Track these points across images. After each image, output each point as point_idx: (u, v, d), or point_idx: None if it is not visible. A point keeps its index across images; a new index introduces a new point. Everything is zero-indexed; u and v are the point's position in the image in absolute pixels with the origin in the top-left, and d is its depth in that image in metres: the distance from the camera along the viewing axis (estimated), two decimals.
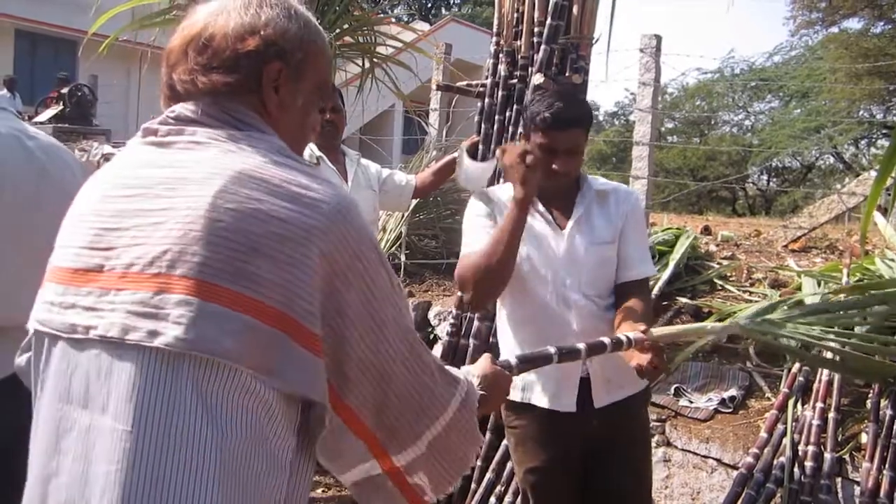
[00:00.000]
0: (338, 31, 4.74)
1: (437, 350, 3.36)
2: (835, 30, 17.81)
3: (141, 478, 0.88)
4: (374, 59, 4.84)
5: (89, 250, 0.98)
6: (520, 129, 2.69)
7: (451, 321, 3.09)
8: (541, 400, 1.99)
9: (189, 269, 0.91)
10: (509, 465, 2.71)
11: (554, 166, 1.95)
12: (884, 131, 18.72)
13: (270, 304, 0.91)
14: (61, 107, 9.36)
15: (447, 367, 1.15)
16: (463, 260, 1.97)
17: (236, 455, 0.90)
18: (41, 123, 9.18)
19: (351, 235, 0.96)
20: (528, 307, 2.01)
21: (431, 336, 3.68)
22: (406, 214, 4.24)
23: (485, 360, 1.44)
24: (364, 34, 4.91)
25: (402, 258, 4.15)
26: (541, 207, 2.03)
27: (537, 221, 2.04)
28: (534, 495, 2.01)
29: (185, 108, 1.04)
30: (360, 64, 4.87)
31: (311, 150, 2.91)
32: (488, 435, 2.83)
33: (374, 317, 0.98)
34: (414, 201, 4.24)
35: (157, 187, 0.98)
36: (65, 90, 9.63)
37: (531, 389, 2.01)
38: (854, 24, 17.28)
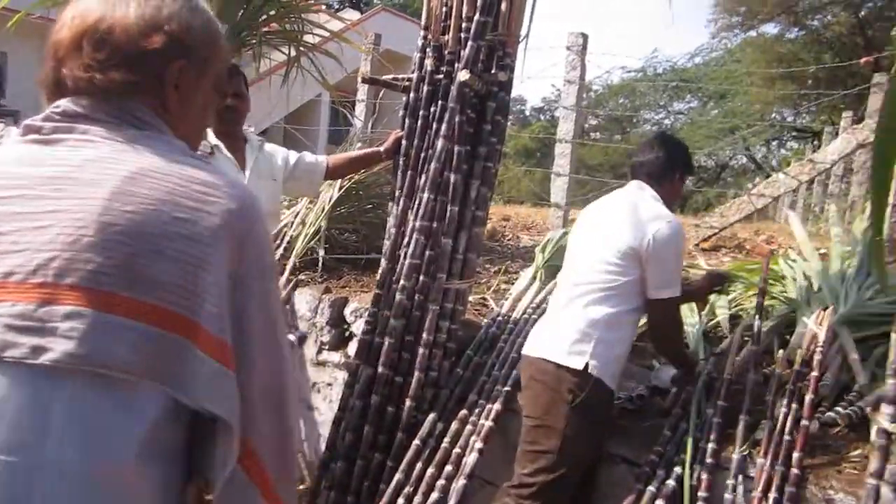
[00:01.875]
0: (264, 17, 4.65)
1: (353, 348, 3.34)
2: (753, 34, 18.48)
3: None
4: (301, 48, 4.77)
5: None
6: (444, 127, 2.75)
7: (367, 318, 3.07)
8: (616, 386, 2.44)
9: (81, 277, 0.85)
10: (419, 465, 2.72)
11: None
12: (793, 134, 19.58)
13: (173, 308, 0.86)
14: None
15: None
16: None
17: (121, 482, 0.85)
18: None
19: (255, 240, 0.92)
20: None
21: (347, 333, 3.65)
22: (326, 208, 4.19)
23: None
24: (291, 21, 4.83)
25: (321, 252, 4.10)
26: None
27: None
28: (581, 467, 2.40)
29: (73, 104, 0.97)
30: (286, 52, 4.79)
31: (206, 137, 2.79)
32: (399, 434, 2.83)
33: (273, 334, 0.93)
34: (334, 195, 4.21)
35: (41, 188, 0.90)
36: None
37: (615, 377, 2.43)
38: (771, 29, 17.96)
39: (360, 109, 7.16)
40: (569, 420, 2.32)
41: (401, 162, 3.08)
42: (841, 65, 11.76)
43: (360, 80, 3.65)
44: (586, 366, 2.33)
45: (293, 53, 4.75)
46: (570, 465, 2.33)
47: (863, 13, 16.19)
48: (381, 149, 3.17)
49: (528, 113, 29.34)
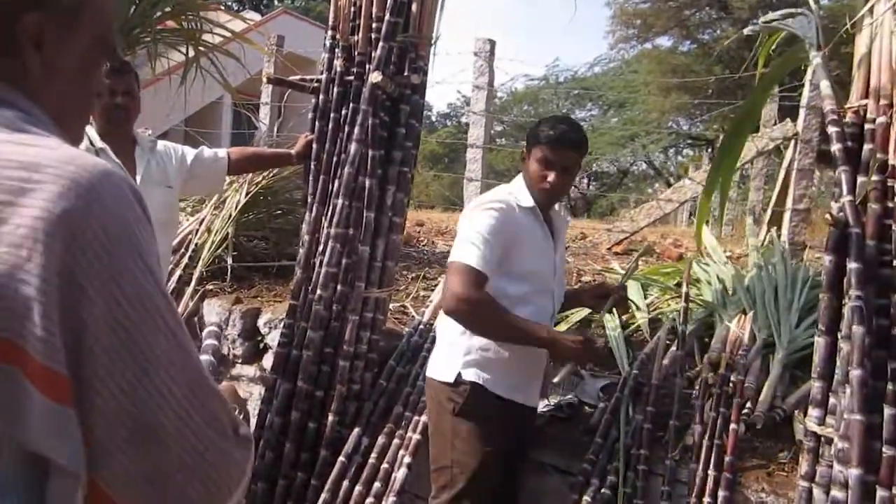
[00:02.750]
0: (158, 14, 4.38)
1: (268, 361, 3.15)
2: (648, 46, 19.13)
3: None
4: (200, 48, 4.53)
5: None
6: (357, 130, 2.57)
7: (283, 330, 2.90)
8: (507, 392, 2.23)
9: None
10: (345, 483, 2.58)
11: (549, 180, 2.24)
12: (689, 141, 20.39)
13: None
14: None
15: (240, 418, 0.88)
16: (469, 287, 2.08)
17: None
18: None
19: (96, 231, 0.71)
20: (524, 312, 2.17)
21: (261, 345, 3.46)
22: (233, 214, 3.97)
23: None
24: (188, 19, 4.58)
25: (229, 261, 3.88)
26: (541, 218, 2.30)
27: (542, 233, 2.31)
28: (480, 476, 2.17)
29: None
30: (184, 52, 4.54)
31: (90, 139, 2.57)
32: (322, 451, 2.68)
33: (130, 348, 0.72)
34: (241, 200, 4.00)
35: None
36: None
37: (497, 382, 2.21)
38: (665, 41, 18.63)
39: (264, 112, 6.93)
40: (454, 429, 2.20)
41: (312, 166, 2.94)
42: (731, 76, 12.29)
43: (264, 81, 3.46)
44: (458, 375, 2.21)
45: (192, 53, 4.50)
46: (469, 478, 2.17)
47: (748, 29, 17.03)
48: (292, 151, 3.02)
49: (434, 119, 29.40)
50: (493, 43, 5.86)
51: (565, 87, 21.23)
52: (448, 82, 10.74)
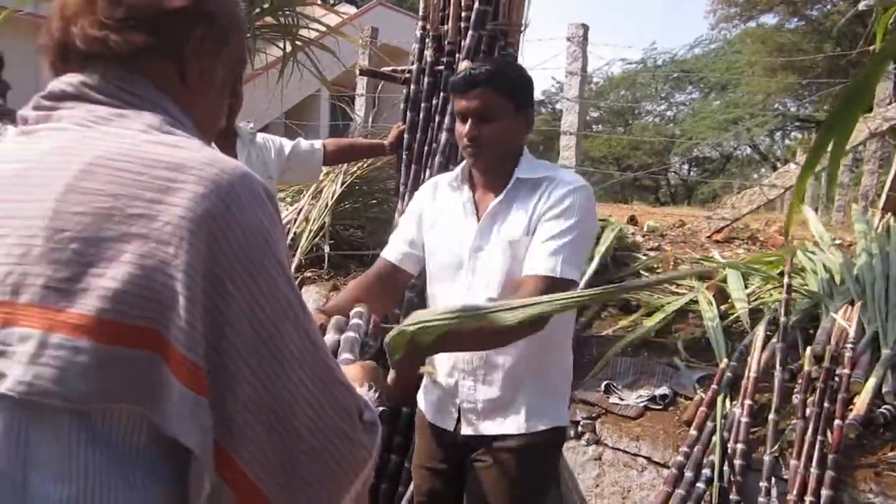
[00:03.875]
0: (257, 10, 4.53)
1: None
2: (752, 24, 18.35)
3: None
4: (296, 43, 4.65)
5: None
6: (447, 119, 2.57)
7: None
8: (427, 411, 2.00)
9: (33, 294, 0.73)
10: None
11: (463, 134, 1.79)
12: (797, 124, 19.45)
13: (132, 321, 0.72)
14: None
15: (368, 402, 0.93)
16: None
17: None
18: None
19: (235, 231, 0.75)
20: (434, 303, 1.92)
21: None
22: (330, 204, 4.08)
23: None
24: (285, 15, 4.71)
25: (326, 249, 3.98)
26: (465, 187, 1.89)
27: (454, 202, 1.90)
28: (417, 492, 2.06)
29: (63, 84, 0.85)
30: (282, 47, 4.67)
31: None
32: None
33: (267, 342, 0.77)
34: (337, 190, 4.10)
35: (5, 189, 0.79)
36: None
37: (422, 398, 2.03)
38: (770, 19, 17.82)
39: (359, 104, 7.05)
40: None
41: (404, 156, 2.98)
42: (843, 54, 11.62)
43: (357, 73, 3.53)
44: None
45: (289, 48, 4.63)
46: None
47: (862, 4, 16.07)
48: (385, 142, 3.07)
49: None
50: (586, 28, 5.76)
51: (664, 71, 20.61)
52: (542, 68, 10.64)
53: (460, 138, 1.82)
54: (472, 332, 1.60)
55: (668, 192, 22.13)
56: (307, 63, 4.74)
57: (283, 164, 2.95)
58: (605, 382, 2.74)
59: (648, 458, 2.48)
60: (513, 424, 1.85)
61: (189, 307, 0.73)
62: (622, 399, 2.66)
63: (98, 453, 0.74)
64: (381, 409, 0.98)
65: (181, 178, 0.76)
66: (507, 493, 1.85)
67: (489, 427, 1.87)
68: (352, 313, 1.46)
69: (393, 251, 1.99)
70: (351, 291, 1.88)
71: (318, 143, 3.06)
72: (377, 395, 1.03)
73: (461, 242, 1.85)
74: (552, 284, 1.66)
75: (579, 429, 2.67)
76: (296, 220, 4.13)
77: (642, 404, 2.61)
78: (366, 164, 4.22)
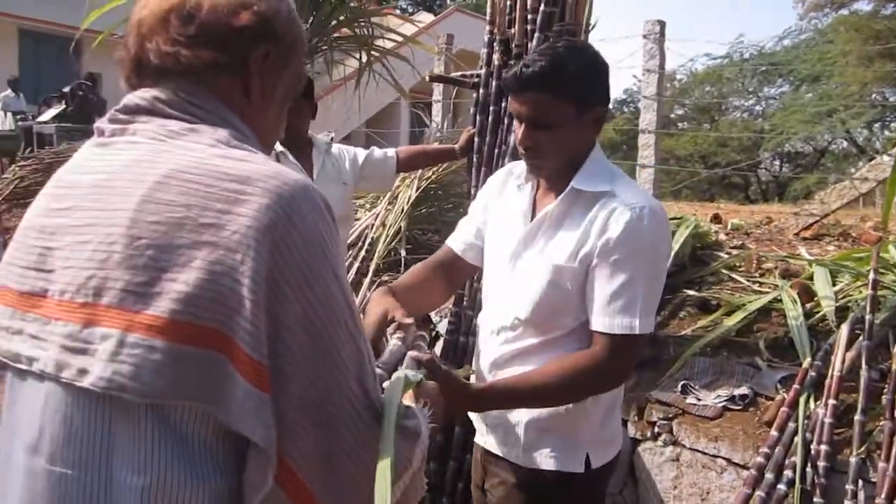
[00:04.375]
0: (334, 22, 4.67)
1: (438, 348, 3.27)
2: (844, 12, 17.55)
3: None
4: (372, 53, 4.76)
5: (34, 271, 0.87)
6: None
7: (451, 318, 3.00)
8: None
9: (113, 297, 0.80)
10: None
11: (519, 137, 1.61)
12: None
13: (202, 322, 0.78)
14: (64, 106, 9.32)
15: (415, 412, 0.97)
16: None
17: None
18: (44, 123, 9.15)
19: (295, 240, 0.81)
20: (484, 301, 1.80)
21: (434, 333, 3.59)
22: (406, 209, 4.15)
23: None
24: (361, 26, 4.83)
25: (403, 253, 4.06)
26: (529, 185, 1.72)
27: (515, 197, 1.74)
28: None
29: (137, 98, 0.92)
30: (359, 58, 4.79)
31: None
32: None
33: (319, 346, 0.82)
34: (412, 195, 4.17)
35: (87, 198, 0.86)
36: (66, 89, 9.57)
37: None
38: (864, 6, 17.01)
39: (436, 110, 7.13)
40: None
41: (474, 159, 3.00)
42: None
43: (427, 79, 3.59)
44: None
45: (365, 59, 4.74)
46: None
47: None
48: (456, 147, 3.11)
49: (611, 106, 28.75)
50: (662, 24, 5.66)
51: (751, 64, 19.92)
52: (617, 67, 10.46)
53: (517, 142, 1.64)
54: (530, 386, 1.55)
55: (758, 189, 21.36)
56: (384, 73, 4.85)
57: (358, 172, 3.03)
58: (681, 383, 2.69)
59: (728, 460, 2.42)
60: (512, 451, 1.70)
61: (254, 310, 0.78)
62: (700, 399, 2.61)
63: (170, 446, 0.80)
64: (431, 425, 1.01)
65: (248, 189, 0.82)
66: None
67: (493, 444, 1.75)
68: (415, 334, 1.49)
69: (457, 240, 1.88)
70: (411, 277, 1.84)
71: (390, 152, 3.13)
72: (430, 412, 1.05)
73: (508, 244, 1.70)
74: (630, 343, 1.52)
75: (656, 429, 2.63)
76: (373, 225, 4.22)
77: (721, 405, 2.56)
78: (440, 169, 4.28)
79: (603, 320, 1.54)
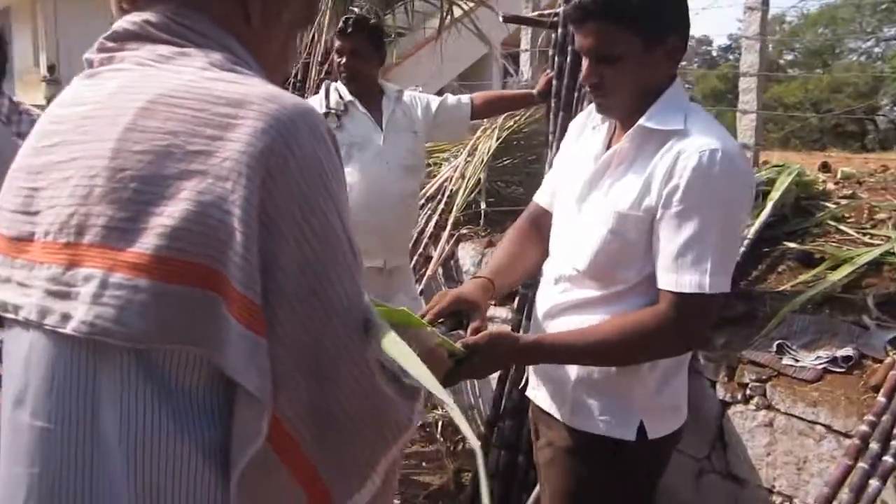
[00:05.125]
0: None
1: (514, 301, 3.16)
2: None
3: (56, 483, 0.74)
4: (455, 3, 4.63)
5: (22, 215, 0.81)
6: None
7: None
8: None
9: (95, 235, 0.73)
10: None
11: (583, 76, 1.48)
12: None
13: (190, 258, 0.70)
14: None
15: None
16: None
17: (155, 459, 0.73)
18: None
19: (291, 167, 0.72)
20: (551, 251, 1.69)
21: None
22: (486, 159, 4.02)
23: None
24: None
25: (483, 205, 3.94)
26: (605, 126, 1.59)
27: (591, 138, 1.62)
28: None
29: (127, 23, 0.84)
30: (439, 7, 4.67)
31: (340, 93, 2.79)
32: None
33: (316, 288, 0.73)
34: (493, 146, 4.03)
35: (72, 132, 0.80)
36: None
37: None
38: None
39: (524, 59, 6.90)
40: None
41: (552, 104, 2.84)
42: None
43: (500, 20, 3.42)
44: None
45: (449, 12, 4.62)
46: None
47: None
48: (534, 91, 2.95)
49: (715, 54, 27.46)
50: None
51: (870, 2, 18.45)
52: (716, 7, 9.86)
53: (582, 79, 1.52)
54: (585, 342, 1.45)
55: (875, 138, 19.95)
56: (471, 25, 4.72)
57: (430, 120, 2.95)
58: (777, 342, 2.47)
59: (828, 427, 2.21)
60: (560, 409, 1.60)
61: (246, 243, 0.71)
62: (797, 360, 2.39)
63: (158, 397, 0.73)
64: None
65: (242, 113, 0.74)
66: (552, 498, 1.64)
67: (542, 398, 1.66)
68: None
69: (543, 194, 1.79)
70: (508, 246, 1.76)
71: (465, 98, 3.02)
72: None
73: (575, 186, 1.58)
74: (702, 303, 1.38)
75: (747, 392, 2.44)
76: (452, 177, 4.12)
77: (821, 366, 2.33)
78: (522, 118, 4.12)
79: (669, 277, 1.40)
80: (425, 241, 3.89)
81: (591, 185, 1.55)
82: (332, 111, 2.76)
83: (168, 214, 0.71)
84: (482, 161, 4.00)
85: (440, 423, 3.82)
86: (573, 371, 1.56)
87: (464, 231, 3.89)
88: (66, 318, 0.74)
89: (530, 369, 1.75)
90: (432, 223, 3.89)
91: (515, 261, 1.72)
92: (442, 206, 3.98)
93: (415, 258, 3.83)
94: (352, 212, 2.57)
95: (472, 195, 3.98)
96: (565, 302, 1.57)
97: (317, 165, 0.75)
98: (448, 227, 3.82)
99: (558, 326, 1.57)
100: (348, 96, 2.80)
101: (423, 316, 1.44)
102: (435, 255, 3.76)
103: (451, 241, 3.78)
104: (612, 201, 1.48)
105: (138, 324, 0.71)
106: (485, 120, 4.36)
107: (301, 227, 0.73)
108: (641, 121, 1.47)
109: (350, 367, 0.77)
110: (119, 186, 0.73)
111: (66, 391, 0.75)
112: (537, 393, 1.70)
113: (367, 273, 2.69)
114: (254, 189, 0.71)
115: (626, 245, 1.46)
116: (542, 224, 1.75)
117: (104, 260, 0.73)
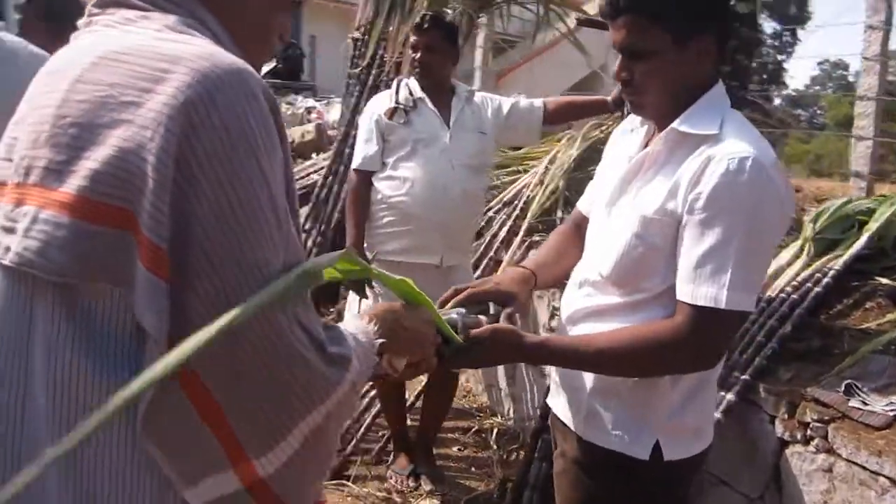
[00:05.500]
0: None
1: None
2: None
3: None
4: (550, 7, 4.56)
5: (4, 161, 0.89)
6: None
7: None
8: None
9: (36, 175, 0.80)
10: None
11: (615, 71, 1.44)
12: None
13: (108, 200, 0.74)
14: (274, 63, 10.02)
15: (345, 337, 0.88)
16: None
17: (73, 400, 0.77)
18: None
19: (214, 122, 0.74)
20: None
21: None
22: (568, 166, 3.94)
23: None
24: None
25: (559, 213, 3.86)
26: (643, 129, 1.54)
27: (629, 142, 1.57)
28: None
29: None
30: (535, 12, 4.61)
31: (411, 89, 2.82)
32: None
33: (233, 244, 0.74)
34: (574, 154, 3.94)
35: (41, 86, 0.87)
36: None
37: None
38: None
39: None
40: None
41: (625, 112, 2.73)
42: None
43: (575, 24, 3.35)
44: None
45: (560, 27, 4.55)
46: None
47: None
48: (609, 98, 2.86)
49: (851, 78, 26.04)
50: None
51: None
52: (832, 24, 9.30)
53: (614, 76, 1.46)
54: (595, 348, 1.39)
55: None
56: (560, 27, 4.62)
57: (501, 122, 2.94)
58: (846, 382, 2.28)
59: (892, 480, 2.02)
60: (573, 418, 1.55)
61: (157, 190, 0.73)
62: (866, 404, 2.20)
63: (80, 335, 0.77)
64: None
65: (173, 68, 0.76)
66: None
67: (559, 406, 1.61)
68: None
69: (584, 200, 1.76)
70: (553, 244, 1.75)
71: (538, 102, 2.99)
72: (377, 329, 0.97)
73: (607, 190, 1.54)
74: (715, 318, 1.30)
75: (808, 432, 2.26)
76: (530, 183, 4.05)
77: (892, 413, 2.14)
78: (607, 128, 4.00)
79: (686, 288, 1.33)
80: (497, 245, 3.84)
81: (622, 188, 1.50)
82: (401, 106, 2.76)
83: (94, 159, 0.76)
84: (562, 169, 3.91)
85: (495, 431, 3.76)
86: (589, 380, 1.51)
87: (536, 238, 3.81)
88: (7, 250, 0.81)
89: (551, 377, 1.70)
90: (506, 228, 3.84)
91: (560, 258, 1.71)
92: (517, 211, 3.92)
93: (485, 261, 3.79)
94: (412, 207, 2.56)
95: (549, 203, 3.90)
96: (587, 307, 1.52)
97: (245, 126, 0.76)
98: (521, 233, 3.75)
99: (579, 331, 1.52)
100: (418, 92, 2.81)
101: (451, 297, 1.45)
102: (505, 259, 3.71)
103: (523, 248, 3.72)
104: (640, 205, 1.43)
105: (59, 258, 0.76)
106: (570, 127, 4.28)
107: (225, 191, 0.74)
108: (675, 123, 1.40)
109: (266, 331, 0.77)
110: (59, 132, 0.79)
111: (7, 322, 0.82)
112: (556, 401, 1.65)
113: (422, 269, 2.73)
114: (171, 138, 0.73)
115: (650, 251, 1.40)
116: (583, 228, 1.71)
117: (39, 198, 0.79)
